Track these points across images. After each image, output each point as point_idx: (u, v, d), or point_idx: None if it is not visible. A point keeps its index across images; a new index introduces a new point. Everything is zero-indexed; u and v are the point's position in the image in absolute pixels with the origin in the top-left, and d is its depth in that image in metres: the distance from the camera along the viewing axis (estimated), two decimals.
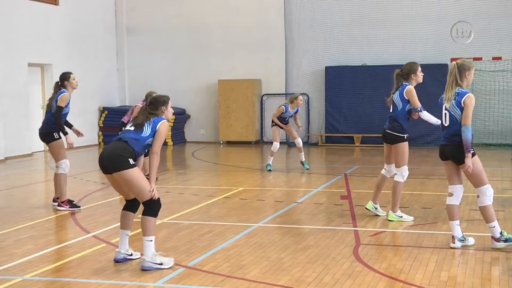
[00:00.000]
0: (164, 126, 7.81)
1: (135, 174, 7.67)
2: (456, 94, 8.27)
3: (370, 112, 23.11)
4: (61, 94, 11.47)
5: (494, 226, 8.32)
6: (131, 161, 7.62)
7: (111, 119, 24.41)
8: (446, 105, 8.36)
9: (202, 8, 25.10)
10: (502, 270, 7.61)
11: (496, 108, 22.23)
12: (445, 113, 8.42)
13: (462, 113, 8.25)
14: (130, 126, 7.96)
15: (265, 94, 24.91)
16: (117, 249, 8.10)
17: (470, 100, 8.22)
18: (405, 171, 10.26)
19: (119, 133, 8.58)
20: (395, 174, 10.33)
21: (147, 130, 7.75)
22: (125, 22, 26.06)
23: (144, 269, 7.70)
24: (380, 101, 22.78)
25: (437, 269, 7.56)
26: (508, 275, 7.35)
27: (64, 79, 12.06)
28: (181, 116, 24.93)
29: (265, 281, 7.11)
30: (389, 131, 10.26)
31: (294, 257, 8.15)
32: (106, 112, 24.75)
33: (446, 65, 22.46)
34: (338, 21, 23.89)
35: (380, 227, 9.91)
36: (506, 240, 8.30)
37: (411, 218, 10.32)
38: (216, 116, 24.95)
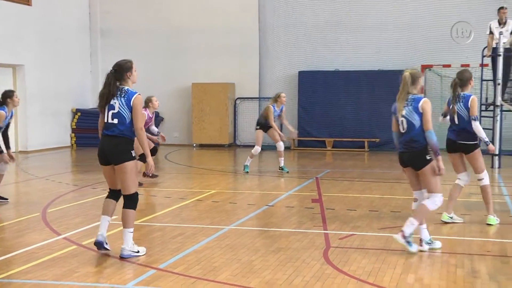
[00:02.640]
0: (138, 100, 8.34)
1: (133, 167, 8.28)
2: (412, 100, 8.42)
3: (342, 117, 23.27)
4: None
5: (425, 228, 8.56)
6: (133, 153, 8.24)
7: (84, 121, 24.37)
8: (402, 112, 8.44)
9: (176, 12, 25.08)
10: (466, 272, 7.69)
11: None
12: (402, 120, 8.46)
13: (420, 119, 8.35)
14: (112, 119, 8.22)
15: (238, 98, 24.94)
16: (99, 233, 8.30)
17: (427, 104, 8.37)
18: (486, 174, 10.43)
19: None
20: (481, 180, 10.43)
21: (125, 112, 8.18)
22: (99, 24, 25.95)
23: (123, 257, 8.12)
24: (352, 105, 23.15)
25: (404, 272, 7.65)
26: (472, 277, 7.48)
27: (7, 97, 11.87)
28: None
29: (236, 283, 7.16)
30: (464, 142, 10.29)
31: (265, 260, 8.18)
32: (79, 114, 24.63)
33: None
34: (311, 27, 24.05)
35: (350, 230, 9.91)
36: (428, 243, 8.61)
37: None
38: (189, 119, 24.97)
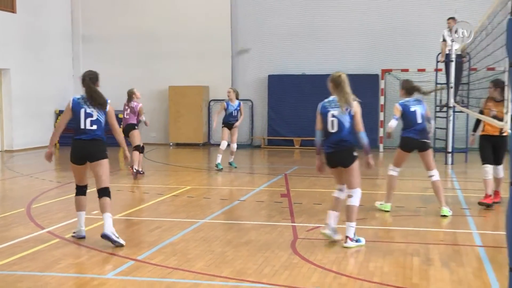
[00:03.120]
0: (111, 106, 8.91)
1: (107, 163, 8.79)
2: (348, 104, 8.29)
3: (309, 117, 23.21)
4: None
5: (353, 227, 8.37)
6: (107, 153, 8.79)
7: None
8: (334, 112, 8.33)
9: (152, 19, 24.97)
10: (422, 260, 7.79)
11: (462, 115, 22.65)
12: (332, 120, 8.35)
13: (350, 120, 8.30)
14: (91, 126, 8.69)
15: (212, 100, 24.89)
16: (82, 228, 8.83)
17: (358, 107, 8.36)
18: (436, 170, 10.74)
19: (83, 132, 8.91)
20: (432, 176, 10.66)
21: (102, 120, 8.74)
22: (81, 31, 25.76)
23: (104, 235, 8.34)
24: (316, 106, 23.11)
25: (365, 261, 7.72)
26: (426, 265, 7.59)
27: None
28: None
29: (209, 273, 7.18)
30: (425, 140, 10.58)
31: (236, 251, 8.22)
32: (61, 115, 24.50)
33: (376, 75, 22.86)
34: (281, 33, 24.04)
35: (316, 223, 9.92)
36: (357, 241, 8.40)
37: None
38: (166, 120, 24.91)
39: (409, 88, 10.54)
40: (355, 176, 8.41)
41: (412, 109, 10.61)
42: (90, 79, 9.05)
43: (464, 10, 19.20)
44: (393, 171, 10.85)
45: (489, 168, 10.28)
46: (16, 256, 8.02)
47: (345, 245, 8.26)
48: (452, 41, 18.01)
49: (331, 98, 8.50)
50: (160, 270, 7.31)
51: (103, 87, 24.66)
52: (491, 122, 9.28)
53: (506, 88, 5.71)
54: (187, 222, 9.96)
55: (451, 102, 17.75)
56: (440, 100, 19.37)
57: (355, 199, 8.40)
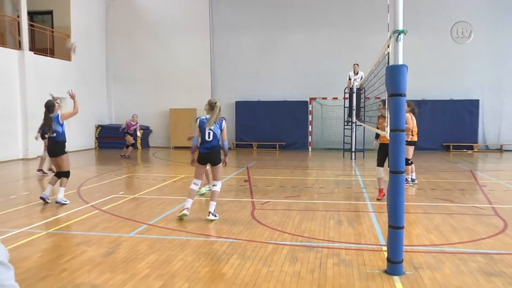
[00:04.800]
0: (63, 116, 9.68)
1: (67, 157, 9.64)
2: (219, 120, 8.18)
3: (263, 129, 23.41)
4: None
5: (214, 205, 8.08)
6: (65, 150, 9.60)
7: (103, 132, 24.07)
8: (211, 127, 8.11)
9: (159, 63, 24.70)
10: (335, 222, 7.88)
11: (334, 126, 22.80)
12: (209, 132, 8.09)
13: (220, 133, 8.16)
14: (52, 134, 9.49)
15: (198, 117, 24.58)
16: (47, 193, 9.50)
17: (225, 124, 8.26)
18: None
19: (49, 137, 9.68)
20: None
21: (59, 128, 9.56)
22: (112, 71, 25.43)
23: (57, 202, 9.19)
24: (269, 122, 23.27)
25: (299, 223, 7.81)
26: (338, 225, 7.69)
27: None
28: (146, 131, 24.65)
29: (197, 232, 7.21)
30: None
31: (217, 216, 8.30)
32: (100, 127, 24.24)
33: (306, 101, 23.03)
34: (245, 71, 23.97)
35: (267, 199, 9.99)
36: (215, 216, 8.02)
37: None
38: (168, 130, 24.69)
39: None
40: (219, 172, 8.18)
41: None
42: (48, 109, 9.68)
43: (363, 60, 19.40)
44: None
45: (380, 169, 10.03)
46: (71, 221, 8.04)
47: (208, 218, 7.96)
48: (355, 80, 18.29)
49: (207, 116, 8.29)
50: (163, 231, 7.32)
51: (124, 109, 24.77)
52: (378, 132, 9.40)
53: (386, 110, 5.84)
54: (182, 199, 9.89)
55: (354, 119, 17.98)
56: (347, 118, 19.63)
57: (217, 188, 8.14)
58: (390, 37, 5.51)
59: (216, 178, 8.20)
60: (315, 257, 5.99)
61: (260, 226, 7.57)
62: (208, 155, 8.12)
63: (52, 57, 21.07)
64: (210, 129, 8.13)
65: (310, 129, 23.03)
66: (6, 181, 13.06)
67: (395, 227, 5.40)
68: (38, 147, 18.73)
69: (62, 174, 9.60)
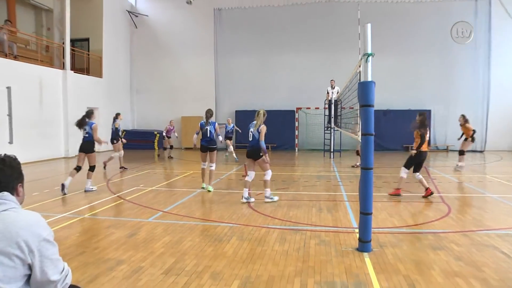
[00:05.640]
0: (95, 126, 9.73)
1: (95, 155, 9.76)
2: (255, 125, 8.50)
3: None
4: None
5: (269, 190, 8.44)
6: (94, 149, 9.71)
7: (128, 135, 23.81)
8: (253, 130, 8.51)
9: (172, 77, 24.68)
10: (317, 209, 7.87)
11: (316, 131, 22.68)
12: (250, 133, 8.55)
13: (258, 134, 8.41)
14: (85, 134, 9.74)
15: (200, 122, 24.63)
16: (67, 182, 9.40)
17: (264, 128, 8.43)
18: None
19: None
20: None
21: (91, 131, 9.72)
22: (135, 85, 25.36)
23: (86, 191, 9.36)
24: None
25: (287, 211, 7.78)
26: (319, 212, 7.64)
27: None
28: (162, 134, 24.52)
29: (203, 218, 7.19)
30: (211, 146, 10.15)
31: (217, 205, 8.24)
32: (125, 132, 24.08)
33: (294, 111, 22.99)
34: (244, 86, 23.86)
35: (261, 191, 9.94)
36: (270, 199, 8.45)
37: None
38: (180, 134, 24.39)
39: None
40: (263, 165, 8.44)
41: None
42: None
43: (339, 77, 19.42)
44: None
45: (406, 170, 9.18)
46: (102, 208, 7.99)
47: (268, 200, 8.42)
48: (332, 93, 18.27)
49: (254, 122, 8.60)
50: (176, 217, 7.28)
51: (145, 116, 24.58)
52: (352, 136, 9.39)
53: (358, 119, 5.84)
54: (191, 191, 9.91)
55: (332, 125, 18.00)
56: (327, 124, 19.62)
57: (267, 176, 8.43)
58: (361, 59, 5.52)
59: (264, 169, 8.44)
60: (300, 238, 5.98)
61: (255, 213, 7.54)
62: (249, 152, 8.50)
63: (88, 75, 21.31)
64: (251, 131, 8.49)
65: (296, 133, 22.99)
66: (51, 175, 13.00)
67: (365, 213, 5.40)
68: (77, 149, 18.86)
69: (89, 168, 9.82)
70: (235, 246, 5.58)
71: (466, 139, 13.99)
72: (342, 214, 7.46)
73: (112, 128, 14.39)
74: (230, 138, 17.77)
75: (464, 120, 13.99)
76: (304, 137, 23.32)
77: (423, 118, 9.27)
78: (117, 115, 14.66)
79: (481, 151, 21.84)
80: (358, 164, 14.46)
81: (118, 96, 24.00)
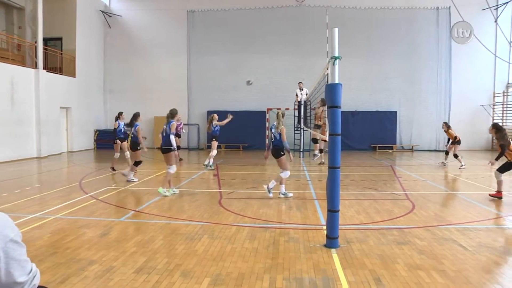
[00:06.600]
0: (139, 128, 10.96)
1: (139, 152, 10.89)
2: (276, 127, 8.81)
3: (231, 133, 23.20)
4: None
5: (284, 185, 8.87)
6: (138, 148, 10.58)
7: (100, 135, 23.36)
8: (274, 132, 8.81)
9: (145, 77, 24.25)
10: (286, 207, 7.91)
11: (287, 131, 22.61)
12: (272, 135, 8.86)
13: (280, 135, 8.69)
14: (131, 134, 10.89)
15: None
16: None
17: (284, 129, 8.72)
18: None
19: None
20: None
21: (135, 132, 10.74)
22: (108, 86, 24.75)
23: (128, 181, 10.11)
24: (236, 128, 23.10)
25: (257, 209, 7.80)
26: (289, 210, 7.70)
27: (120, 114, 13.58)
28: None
29: (174, 217, 7.12)
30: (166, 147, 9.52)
31: (191, 204, 8.18)
32: (97, 132, 23.61)
33: (264, 111, 23.05)
34: (216, 86, 23.69)
35: (232, 190, 9.95)
36: (284, 195, 8.88)
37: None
38: (152, 133, 24.13)
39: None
40: (282, 164, 8.76)
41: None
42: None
43: (308, 78, 19.59)
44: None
45: (500, 175, 8.82)
46: (74, 208, 7.82)
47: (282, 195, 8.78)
48: (301, 95, 18.38)
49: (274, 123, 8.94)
50: (148, 216, 7.20)
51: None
52: (322, 137, 9.51)
53: (326, 120, 5.91)
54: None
55: (302, 125, 18.14)
56: (296, 124, 19.71)
57: (283, 174, 8.73)
58: (329, 62, 5.59)
59: (283, 168, 8.73)
60: (270, 236, 6.00)
61: (226, 212, 7.53)
62: (272, 150, 8.78)
63: (61, 74, 20.74)
64: (273, 132, 8.81)
65: (267, 133, 23.03)
66: (23, 175, 12.59)
67: (332, 211, 5.48)
68: (50, 149, 18.36)
69: (133, 163, 11.25)
70: (206, 244, 5.56)
71: (453, 142, 15.12)
72: (311, 212, 7.53)
73: (119, 127, 13.36)
74: (216, 139, 15.21)
75: (447, 127, 15.25)
76: None
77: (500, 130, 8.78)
78: (120, 114, 13.87)
79: (445, 151, 22.49)
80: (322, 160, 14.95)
81: (91, 96, 23.43)
